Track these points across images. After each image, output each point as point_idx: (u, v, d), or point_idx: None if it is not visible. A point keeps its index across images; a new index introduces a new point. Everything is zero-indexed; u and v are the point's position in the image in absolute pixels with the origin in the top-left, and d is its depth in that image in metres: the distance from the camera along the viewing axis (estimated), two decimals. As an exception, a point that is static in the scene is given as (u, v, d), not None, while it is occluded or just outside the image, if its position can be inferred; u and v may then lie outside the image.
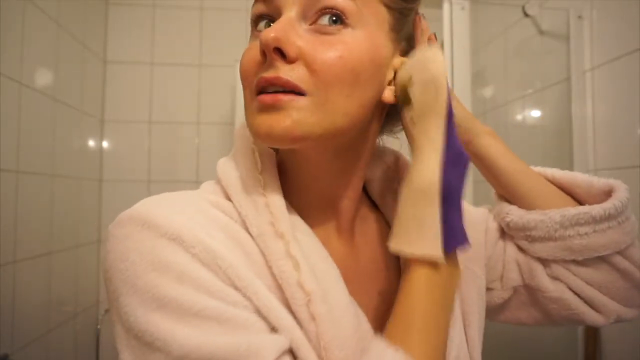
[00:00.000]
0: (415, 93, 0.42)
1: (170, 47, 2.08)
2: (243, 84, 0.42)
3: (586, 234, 0.52)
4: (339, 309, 0.38)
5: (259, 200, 0.40)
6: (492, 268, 0.58)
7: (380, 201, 0.55)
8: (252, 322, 0.35)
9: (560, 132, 1.37)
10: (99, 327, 1.94)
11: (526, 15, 1.39)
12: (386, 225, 0.53)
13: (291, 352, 0.36)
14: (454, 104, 0.51)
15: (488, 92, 1.83)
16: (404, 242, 0.40)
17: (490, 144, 0.59)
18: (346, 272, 0.43)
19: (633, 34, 1.14)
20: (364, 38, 0.40)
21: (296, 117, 0.38)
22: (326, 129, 0.39)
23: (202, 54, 2.10)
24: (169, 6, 2.08)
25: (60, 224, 1.64)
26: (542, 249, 0.55)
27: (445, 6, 1.22)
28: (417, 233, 0.39)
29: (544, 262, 0.56)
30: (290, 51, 0.38)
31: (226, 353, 0.32)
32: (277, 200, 0.41)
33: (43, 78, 1.54)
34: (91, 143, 1.95)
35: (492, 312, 0.59)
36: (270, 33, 0.37)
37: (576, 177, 0.57)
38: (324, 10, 0.39)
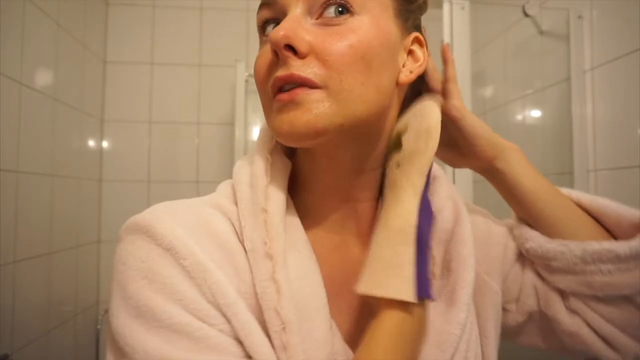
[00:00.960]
0: (407, 139, 0.43)
1: (170, 47, 2.08)
2: (259, 89, 0.43)
3: (609, 271, 0.48)
4: (313, 340, 0.37)
5: (259, 215, 0.40)
6: (509, 288, 0.55)
7: None
8: (225, 346, 0.35)
9: (560, 132, 1.37)
10: (99, 327, 1.94)
11: (526, 15, 1.39)
12: None
13: None
14: (469, 119, 0.53)
15: (488, 92, 1.83)
16: (374, 284, 0.38)
17: (516, 161, 0.56)
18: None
19: (633, 34, 1.14)
20: (370, 24, 0.41)
21: (315, 110, 0.38)
22: (346, 119, 0.40)
23: (202, 54, 2.10)
24: (169, 6, 2.08)
25: (60, 224, 1.64)
26: (561, 281, 0.52)
27: (445, 6, 1.22)
28: (391, 274, 0.37)
29: (563, 293, 0.53)
30: (301, 46, 0.39)
31: None
32: (276, 218, 0.40)
33: (43, 78, 1.54)
34: (91, 143, 1.95)
35: (508, 334, 0.56)
36: (279, 32, 0.38)
37: (605, 207, 0.54)
38: (328, 2, 0.40)
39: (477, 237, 0.51)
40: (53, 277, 1.59)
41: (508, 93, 1.70)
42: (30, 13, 1.44)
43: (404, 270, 0.37)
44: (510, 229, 0.59)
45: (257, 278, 0.38)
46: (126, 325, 0.35)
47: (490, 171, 0.56)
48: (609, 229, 0.53)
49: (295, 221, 0.43)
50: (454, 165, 0.58)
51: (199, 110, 2.09)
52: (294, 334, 0.36)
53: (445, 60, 0.54)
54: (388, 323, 0.37)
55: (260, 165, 0.44)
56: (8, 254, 1.33)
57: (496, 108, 1.77)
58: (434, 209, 0.47)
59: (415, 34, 0.48)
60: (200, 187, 2.06)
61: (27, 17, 1.42)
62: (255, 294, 0.38)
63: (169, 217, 0.39)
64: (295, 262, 0.40)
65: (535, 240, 0.53)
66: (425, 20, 0.52)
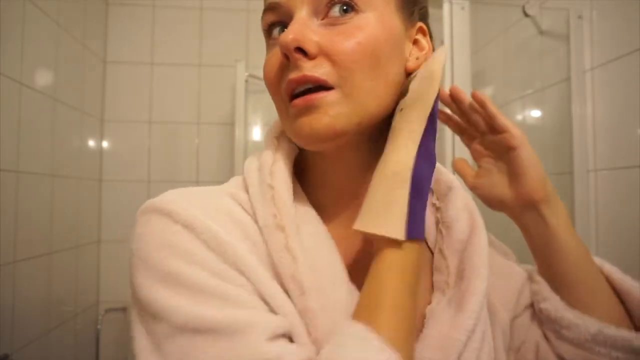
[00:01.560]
0: (412, 85, 0.43)
1: (170, 47, 2.08)
2: (271, 91, 0.43)
3: (618, 358, 0.47)
4: (334, 303, 0.39)
5: (267, 193, 0.42)
6: (513, 334, 0.53)
7: None
8: (254, 302, 0.36)
9: (560, 132, 1.37)
10: (99, 327, 1.94)
11: (526, 15, 1.39)
12: None
13: (289, 336, 0.37)
14: (528, 149, 0.52)
15: (488, 92, 1.83)
16: (368, 222, 0.39)
17: (562, 214, 0.52)
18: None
19: (633, 34, 1.14)
20: (375, 20, 0.41)
21: (332, 112, 0.40)
22: (362, 117, 0.41)
23: (202, 54, 2.10)
24: (169, 6, 2.09)
25: (60, 224, 1.64)
26: (568, 352, 0.50)
27: (445, 6, 1.22)
28: (384, 214, 0.38)
29: None
30: (310, 48, 0.39)
31: (223, 324, 0.34)
32: (283, 193, 0.41)
33: (43, 78, 1.55)
34: (91, 143, 1.95)
35: None
36: (288, 35, 0.39)
37: (632, 290, 0.51)
38: (332, 2, 0.41)
39: (496, 268, 0.51)
40: (53, 277, 1.59)
41: (508, 93, 1.70)
42: (30, 13, 1.44)
43: (396, 210, 0.38)
44: (530, 277, 0.57)
45: (273, 250, 0.39)
46: (157, 292, 0.36)
47: (531, 216, 0.52)
48: (630, 310, 0.51)
49: (304, 202, 0.45)
50: (490, 200, 0.56)
51: (199, 110, 2.09)
52: (313, 298, 0.37)
53: (482, 104, 0.54)
54: (386, 261, 0.38)
55: (270, 150, 0.46)
56: (8, 254, 1.33)
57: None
58: (448, 215, 0.48)
59: (420, 24, 0.48)
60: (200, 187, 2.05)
61: (27, 17, 1.42)
62: (273, 264, 0.39)
63: (185, 199, 0.40)
64: (309, 233, 0.42)
65: (553, 303, 0.51)
66: (425, 20, 0.52)
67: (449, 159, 1.20)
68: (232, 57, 1.88)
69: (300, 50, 0.39)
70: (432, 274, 0.48)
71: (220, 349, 0.33)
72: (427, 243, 0.50)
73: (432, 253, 0.49)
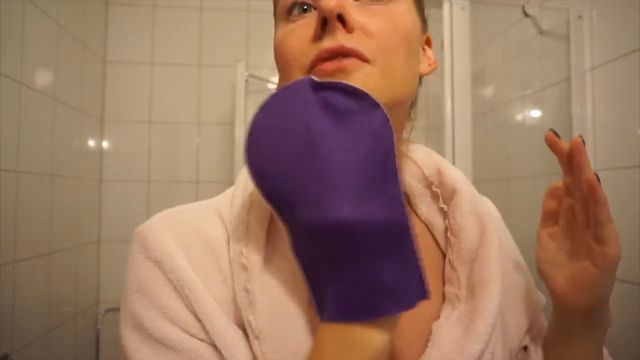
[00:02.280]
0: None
1: (170, 47, 2.08)
2: (290, 65, 0.40)
3: None
4: (292, 350, 0.37)
5: (242, 224, 0.41)
6: None
7: (414, 201, 0.50)
8: (206, 357, 0.37)
9: (560, 132, 1.36)
10: (99, 327, 1.94)
11: (526, 15, 1.39)
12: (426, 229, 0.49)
13: None
14: (607, 287, 0.43)
15: (488, 92, 1.83)
16: None
17: (593, 340, 0.46)
18: None
19: (633, 34, 1.14)
20: (407, 10, 0.42)
21: (362, 81, 0.37)
22: (389, 98, 0.38)
23: (202, 54, 2.10)
24: (169, 6, 2.08)
25: (60, 224, 1.64)
26: None
27: (445, 6, 1.22)
28: None
29: None
30: (351, 19, 0.38)
31: None
32: (258, 229, 0.40)
33: (43, 78, 1.55)
34: (91, 143, 1.95)
35: None
36: (331, 1, 0.37)
37: None
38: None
39: (512, 288, 0.49)
40: (53, 277, 1.59)
41: (508, 93, 1.70)
42: (30, 13, 1.44)
43: None
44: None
45: (236, 287, 0.38)
46: (127, 337, 0.38)
47: (568, 317, 0.46)
48: None
49: (281, 233, 0.41)
50: (542, 266, 0.47)
51: (199, 110, 2.09)
52: (267, 343, 0.36)
53: (595, 199, 0.41)
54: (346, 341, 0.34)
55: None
56: (8, 254, 1.33)
57: (496, 108, 1.77)
58: (456, 222, 0.45)
59: (427, 34, 0.49)
60: (200, 187, 2.06)
61: (27, 17, 1.42)
62: (236, 303, 0.39)
63: (164, 228, 0.41)
64: (278, 270, 0.39)
65: None
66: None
67: (448, 159, 1.21)
68: (232, 57, 1.88)
69: (340, 19, 0.38)
70: (443, 284, 0.45)
71: None
72: (439, 247, 0.48)
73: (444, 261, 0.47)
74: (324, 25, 0.38)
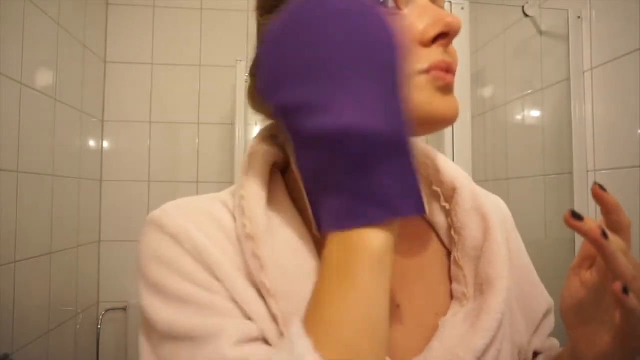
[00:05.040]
0: None
1: (170, 47, 2.08)
2: (413, 48, 0.39)
3: None
4: (303, 305, 0.37)
5: (242, 200, 0.42)
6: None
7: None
8: (228, 309, 0.38)
9: (560, 132, 1.37)
10: (99, 327, 1.94)
11: (526, 15, 1.39)
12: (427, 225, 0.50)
13: (263, 340, 0.38)
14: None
15: (488, 92, 1.83)
16: None
17: None
18: None
19: (632, 34, 1.14)
20: None
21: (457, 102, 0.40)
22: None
23: (202, 54, 2.10)
24: (169, 6, 2.09)
25: (60, 224, 1.64)
26: None
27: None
28: None
29: None
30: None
31: (197, 332, 0.37)
32: (251, 203, 0.41)
33: (43, 78, 1.55)
34: (91, 143, 1.96)
35: None
36: (456, 19, 0.38)
37: None
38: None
39: (520, 287, 0.49)
40: (53, 277, 1.59)
41: (508, 93, 1.70)
42: (30, 13, 1.44)
43: None
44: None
45: (246, 257, 0.40)
46: (148, 302, 0.40)
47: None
48: None
49: (286, 206, 0.44)
50: (566, 304, 0.43)
51: (199, 110, 2.09)
52: (282, 303, 0.38)
53: (621, 226, 0.38)
54: (358, 245, 0.35)
55: (246, 156, 0.45)
56: (8, 254, 1.33)
57: (496, 108, 1.77)
58: (459, 220, 0.45)
59: None
60: (200, 187, 2.06)
61: (27, 17, 1.42)
62: (249, 271, 0.40)
63: (176, 210, 0.43)
64: (283, 239, 0.41)
65: None
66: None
67: (448, 159, 1.21)
68: (232, 57, 1.88)
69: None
70: (450, 282, 0.46)
71: (194, 354, 0.36)
72: (444, 245, 0.48)
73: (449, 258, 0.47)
74: (438, 36, 0.39)
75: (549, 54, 1.46)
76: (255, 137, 0.47)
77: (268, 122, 0.48)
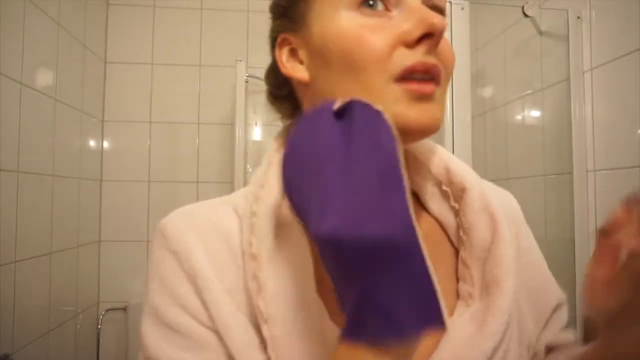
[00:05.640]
0: None
1: (170, 47, 2.08)
2: (369, 69, 0.38)
3: None
4: (302, 332, 0.37)
5: (250, 217, 0.42)
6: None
7: (424, 197, 0.50)
8: (209, 345, 0.39)
9: (560, 132, 1.37)
10: (99, 327, 1.94)
11: (526, 15, 1.39)
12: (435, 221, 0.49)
13: None
14: None
15: (488, 92, 1.83)
16: None
17: None
18: None
19: (632, 34, 1.15)
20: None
21: (441, 107, 0.40)
22: (439, 125, 0.41)
23: (202, 54, 2.10)
24: (169, 6, 2.09)
25: (60, 224, 1.64)
26: None
27: (445, 6, 1.23)
28: None
29: None
30: (442, 41, 0.39)
31: None
32: (263, 220, 0.41)
33: (43, 78, 1.55)
34: (91, 143, 1.96)
35: None
36: (441, 19, 0.37)
37: None
38: (438, 8, 0.42)
39: (529, 282, 0.48)
40: (53, 277, 1.59)
41: (508, 93, 1.70)
42: (30, 13, 1.44)
43: None
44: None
45: (247, 276, 0.40)
46: (143, 320, 0.41)
47: None
48: None
49: (295, 225, 0.42)
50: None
51: (199, 110, 2.09)
52: (276, 326, 0.37)
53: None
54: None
55: (262, 165, 0.45)
56: (8, 254, 1.33)
57: (496, 108, 1.77)
58: (467, 220, 0.45)
59: None
60: (200, 187, 2.06)
61: (27, 17, 1.42)
62: (248, 291, 0.40)
63: (183, 221, 0.44)
64: (287, 261, 0.40)
65: None
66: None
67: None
68: (232, 57, 1.88)
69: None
70: (457, 281, 0.46)
71: None
72: (452, 244, 0.48)
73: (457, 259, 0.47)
74: (422, 37, 0.38)
75: (549, 54, 1.46)
76: (274, 142, 0.47)
77: (280, 123, 0.50)
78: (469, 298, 0.43)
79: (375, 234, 0.27)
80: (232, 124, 1.87)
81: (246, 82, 1.79)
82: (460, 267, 0.45)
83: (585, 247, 1.25)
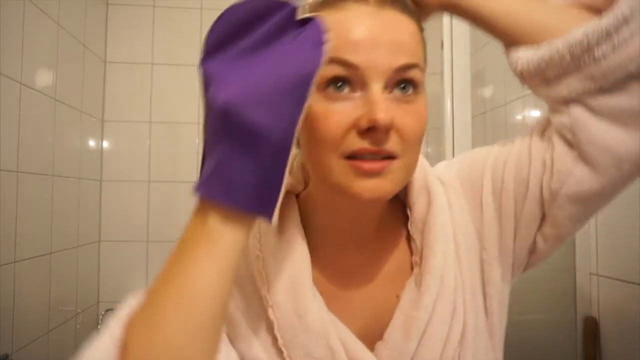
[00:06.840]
0: None
1: (170, 47, 2.08)
2: (326, 147, 0.43)
3: (604, 55, 0.41)
4: (297, 314, 0.45)
5: (258, 228, 0.49)
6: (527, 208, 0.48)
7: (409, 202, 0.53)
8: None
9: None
10: (99, 327, 1.94)
11: (526, 15, 1.39)
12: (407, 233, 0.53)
13: None
14: None
15: (488, 92, 1.83)
16: None
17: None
18: (362, 280, 0.50)
19: (633, 34, 1.14)
20: (425, 99, 0.45)
21: (393, 179, 0.43)
22: (404, 185, 0.46)
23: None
24: (169, 6, 2.09)
25: (60, 224, 1.64)
26: (563, 88, 0.45)
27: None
28: None
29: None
30: (392, 126, 0.42)
31: None
32: (264, 226, 0.49)
33: (43, 78, 1.55)
34: (91, 143, 1.96)
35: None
36: (387, 115, 0.40)
37: None
38: (405, 81, 0.43)
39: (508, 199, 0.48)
40: (53, 277, 1.59)
41: (508, 93, 1.70)
42: (30, 13, 1.44)
43: None
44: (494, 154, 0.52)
45: (254, 275, 0.48)
46: None
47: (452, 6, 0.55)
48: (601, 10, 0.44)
49: (296, 230, 0.49)
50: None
51: (199, 110, 2.09)
52: (280, 311, 0.45)
53: None
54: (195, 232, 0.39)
55: None
56: (8, 254, 1.33)
57: (496, 108, 1.77)
58: (411, 199, 0.52)
59: None
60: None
61: (27, 17, 1.42)
62: (256, 287, 0.48)
63: None
64: (289, 257, 0.48)
65: (523, 56, 0.48)
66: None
67: (448, 159, 1.21)
68: (232, 57, 1.88)
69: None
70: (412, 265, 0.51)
71: None
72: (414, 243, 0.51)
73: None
74: (371, 127, 0.41)
75: (549, 54, 1.46)
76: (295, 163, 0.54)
77: None
78: (415, 265, 0.49)
79: (260, 122, 0.33)
80: (232, 124, 1.87)
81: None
82: (412, 243, 0.51)
83: (584, 246, 1.25)
